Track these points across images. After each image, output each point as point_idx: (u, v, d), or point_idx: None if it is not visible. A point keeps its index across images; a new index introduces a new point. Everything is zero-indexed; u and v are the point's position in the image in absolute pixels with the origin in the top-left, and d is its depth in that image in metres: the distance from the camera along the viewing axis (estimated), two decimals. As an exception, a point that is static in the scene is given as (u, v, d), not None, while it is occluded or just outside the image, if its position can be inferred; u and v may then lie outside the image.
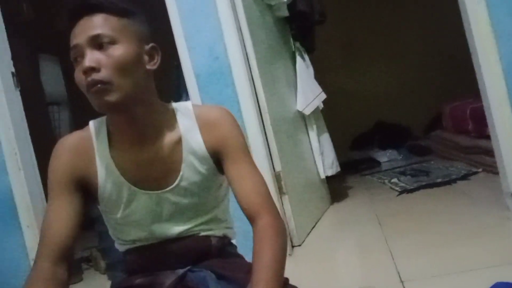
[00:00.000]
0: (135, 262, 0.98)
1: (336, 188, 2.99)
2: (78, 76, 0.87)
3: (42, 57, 3.04)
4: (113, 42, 0.86)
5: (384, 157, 4.12)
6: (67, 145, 0.95)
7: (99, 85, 0.84)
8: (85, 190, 0.94)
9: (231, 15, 1.96)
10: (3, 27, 2.21)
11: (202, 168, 0.95)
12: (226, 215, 1.05)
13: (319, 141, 2.62)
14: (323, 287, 1.53)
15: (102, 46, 0.86)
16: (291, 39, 2.68)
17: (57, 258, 0.88)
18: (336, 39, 4.39)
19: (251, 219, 0.92)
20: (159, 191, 0.94)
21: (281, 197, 2.02)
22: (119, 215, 0.95)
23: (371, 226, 2.06)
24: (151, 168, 0.93)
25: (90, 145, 0.94)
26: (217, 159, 0.96)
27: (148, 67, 0.92)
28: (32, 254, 2.07)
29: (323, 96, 2.69)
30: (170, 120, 0.96)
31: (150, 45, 0.93)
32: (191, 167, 0.94)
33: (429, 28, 4.30)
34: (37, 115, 2.61)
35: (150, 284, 0.93)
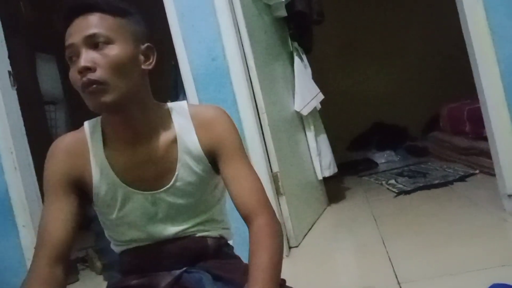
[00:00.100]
0: (131, 263, 0.98)
1: (333, 189, 2.99)
2: (73, 75, 0.86)
3: (39, 56, 3.03)
4: (108, 41, 0.86)
5: (382, 158, 4.12)
6: (62, 146, 0.95)
7: (94, 86, 0.83)
8: (81, 191, 0.94)
9: (229, 15, 1.95)
10: (0, 26, 2.20)
11: (197, 168, 0.95)
12: (223, 215, 1.05)
13: (316, 142, 2.62)
14: (320, 288, 1.53)
15: (98, 45, 0.85)
16: (289, 39, 2.68)
17: (54, 260, 0.88)
18: (335, 39, 4.40)
19: (247, 219, 0.91)
20: (154, 191, 0.94)
21: (278, 198, 2.01)
22: (114, 216, 0.95)
23: (369, 227, 2.06)
24: (146, 168, 0.93)
25: (85, 146, 0.94)
26: (213, 159, 0.96)
27: (143, 67, 0.91)
28: (28, 254, 2.07)
29: (321, 96, 2.68)
30: (165, 120, 0.95)
31: (146, 45, 0.93)
32: (187, 167, 0.94)
33: (427, 29, 4.31)
34: (34, 114, 2.60)
35: (146, 285, 0.93)
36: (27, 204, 2.08)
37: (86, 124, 0.97)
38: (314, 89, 2.66)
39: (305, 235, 2.17)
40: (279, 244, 0.89)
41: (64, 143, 0.95)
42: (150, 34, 0.96)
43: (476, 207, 2.05)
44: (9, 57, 2.19)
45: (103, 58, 0.85)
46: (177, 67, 2.07)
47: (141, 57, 0.91)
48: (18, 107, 2.18)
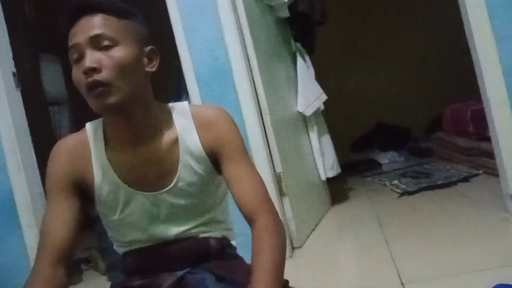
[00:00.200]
0: (133, 264, 0.98)
1: (336, 190, 2.98)
2: (77, 75, 0.86)
3: (43, 57, 3.04)
4: (114, 43, 0.86)
5: (385, 158, 4.11)
6: (64, 148, 0.95)
7: (100, 88, 0.83)
8: (83, 192, 0.94)
9: (232, 16, 1.95)
10: (5, 27, 2.21)
11: (199, 169, 0.94)
12: (225, 216, 1.04)
13: (319, 142, 2.62)
14: (323, 289, 1.53)
15: (102, 46, 0.85)
16: (292, 40, 2.68)
17: (56, 261, 0.88)
18: (338, 40, 4.39)
19: (250, 220, 0.91)
20: (156, 192, 0.93)
21: (281, 199, 2.01)
22: (116, 217, 0.95)
23: (372, 228, 2.06)
24: (147, 169, 0.93)
25: (87, 147, 0.94)
26: (215, 159, 0.96)
27: (147, 69, 0.92)
28: (32, 254, 2.07)
29: (324, 97, 2.68)
30: (167, 120, 0.95)
31: (150, 47, 0.93)
32: (188, 168, 0.94)
33: (430, 30, 4.30)
34: (38, 115, 2.62)
35: (148, 285, 0.93)
36: (31, 204, 2.09)
37: (88, 125, 0.97)
38: (317, 90, 2.66)
39: (309, 236, 2.17)
40: (282, 244, 0.89)
41: (66, 144, 0.96)
42: (153, 35, 0.96)
43: (479, 208, 2.04)
44: (13, 58, 2.20)
45: (109, 59, 0.85)
46: (179, 68, 2.07)
47: (145, 59, 0.91)
48: (22, 108, 2.19)
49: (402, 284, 1.37)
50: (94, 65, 0.83)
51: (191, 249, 0.96)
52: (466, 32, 1.83)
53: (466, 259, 1.45)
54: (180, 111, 0.97)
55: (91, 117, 0.98)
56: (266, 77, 2.11)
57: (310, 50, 2.81)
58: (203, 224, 0.98)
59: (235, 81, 1.96)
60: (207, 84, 1.99)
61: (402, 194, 2.60)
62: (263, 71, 2.06)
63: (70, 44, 0.87)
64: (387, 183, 3.01)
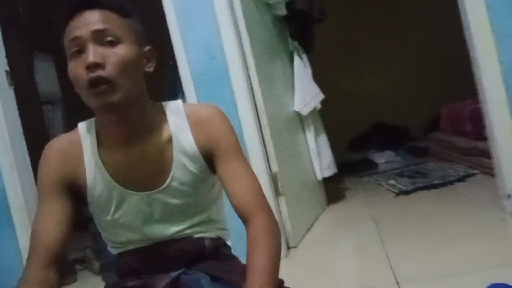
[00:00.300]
0: (128, 265, 0.96)
1: (333, 190, 2.98)
2: (76, 70, 0.83)
3: (36, 55, 3.02)
4: (117, 40, 0.84)
5: (382, 158, 4.12)
6: (55, 148, 0.94)
7: (104, 85, 0.81)
8: (76, 193, 0.93)
9: (228, 14, 1.94)
10: (-2, 25, 2.19)
11: (193, 168, 0.93)
12: (220, 216, 1.04)
13: (316, 142, 2.61)
14: (319, 289, 1.52)
15: (105, 42, 0.83)
16: (289, 38, 2.67)
17: (47, 262, 0.87)
18: (335, 39, 4.39)
19: (245, 219, 0.90)
20: (150, 192, 0.92)
21: (277, 198, 2.00)
22: (109, 217, 0.94)
23: (368, 228, 2.05)
24: (141, 169, 0.91)
25: (79, 147, 0.93)
26: (209, 158, 0.94)
27: (146, 69, 0.91)
28: (25, 255, 2.03)
29: (321, 96, 2.67)
30: (161, 119, 0.94)
31: (148, 47, 0.93)
32: (182, 167, 0.93)
33: (428, 29, 4.31)
34: (31, 114, 2.60)
35: (143, 286, 0.92)
36: (24, 205, 2.07)
37: (81, 125, 0.96)
38: (314, 89, 2.65)
39: (304, 236, 2.16)
40: (277, 244, 0.88)
41: (57, 145, 0.94)
42: (148, 34, 0.95)
43: (476, 208, 2.04)
44: (6, 57, 2.18)
45: (113, 56, 0.83)
46: (175, 67, 2.06)
47: (144, 59, 0.91)
48: (16, 107, 2.17)
49: (398, 283, 1.36)
50: (99, 60, 0.81)
51: (185, 250, 0.95)
52: (465, 31, 1.83)
53: (462, 259, 1.45)
54: (174, 110, 0.96)
55: (85, 116, 0.97)
56: (263, 76, 2.10)
57: (308, 49, 2.80)
58: (198, 224, 0.97)
59: (232, 80, 1.95)
60: (203, 83, 1.97)
61: (398, 194, 2.60)
62: (259, 70, 2.05)
63: (70, 37, 0.84)
64: (384, 183, 3.01)
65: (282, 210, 2.01)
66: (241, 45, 1.99)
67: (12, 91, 2.18)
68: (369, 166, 3.94)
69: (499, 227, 1.73)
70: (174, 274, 0.92)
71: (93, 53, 0.81)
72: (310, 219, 2.36)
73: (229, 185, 0.92)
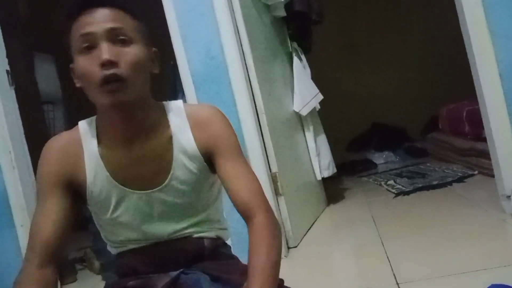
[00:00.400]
0: (127, 265, 0.97)
1: (332, 190, 2.98)
2: (88, 66, 0.83)
3: (37, 55, 3.02)
4: (130, 40, 0.85)
5: (381, 158, 4.12)
6: (55, 146, 0.94)
7: (117, 83, 0.82)
8: (75, 191, 0.93)
9: (228, 15, 1.95)
10: (-1, 25, 2.20)
11: (193, 167, 0.94)
12: (219, 215, 1.04)
13: (315, 142, 2.61)
14: (318, 289, 1.53)
15: (118, 41, 0.84)
16: (288, 39, 2.67)
17: (44, 261, 0.87)
18: (334, 40, 4.39)
19: (246, 217, 0.91)
20: (149, 191, 0.93)
21: (277, 198, 2.01)
22: (108, 216, 0.94)
23: (367, 228, 2.06)
24: (141, 168, 0.92)
25: (79, 145, 0.93)
26: (209, 158, 0.95)
27: (153, 71, 0.93)
28: (25, 254, 2.06)
29: (320, 97, 2.68)
30: (162, 119, 0.95)
31: (154, 49, 0.94)
32: (182, 166, 0.93)
33: (426, 30, 4.31)
34: (32, 114, 2.60)
35: (143, 286, 0.92)
36: (25, 204, 2.08)
37: (81, 123, 0.96)
38: (313, 89, 2.66)
39: (304, 236, 2.16)
40: (278, 244, 0.89)
41: (57, 143, 0.94)
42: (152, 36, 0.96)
43: (474, 208, 2.05)
44: (7, 56, 2.18)
45: (127, 55, 0.84)
46: (175, 67, 2.06)
47: (150, 61, 0.92)
48: (16, 107, 2.18)
49: (397, 284, 1.36)
50: (114, 58, 0.82)
51: (185, 250, 0.96)
52: (463, 31, 1.83)
53: (461, 259, 1.45)
54: (174, 110, 0.96)
55: (86, 115, 0.97)
56: (263, 76, 2.10)
57: (307, 50, 2.81)
58: (197, 224, 0.98)
59: (231, 80, 1.95)
60: (203, 83, 1.98)
61: (397, 194, 2.60)
62: (259, 71, 2.06)
63: (81, 32, 0.84)
64: (383, 183, 3.02)
65: (282, 210, 2.02)
66: (241, 46, 1.99)
67: (13, 91, 2.18)
68: (368, 167, 3.94)
69: (499, 227, 1.73)
70: (173, 273, 0.93)
71: (108, 51, 0.82)
72: (309, 219, 2.36)
73: (230, 183, 0.93)
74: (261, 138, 1.99)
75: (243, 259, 1.01)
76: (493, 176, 1.91)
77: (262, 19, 2.34)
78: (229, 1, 1.97)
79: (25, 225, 2.07)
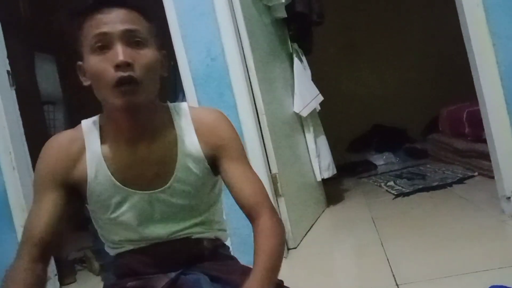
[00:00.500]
0: (126, 265, 0.97)
1: (332, 191, 2.98)
2: (101, 67, 0.83)
3: (38, 56, 3.02)
4: (144, 42, 0.86)
5: (381, 160, 4.12)
6: (55, 145, 0.94)
7: (132, 86, 0.82)
8: (73, 190, 0.93)
9: (229, 16, 1.95)
10: (-1, 25, 2.20)
11: (196, 169, 0.94)
12: (219, 217, 1.05)
13: (315, 143, 2.62)
14: (318, 290, 1.53)
15: (133, 43, 0.84)
16: (289, 40, 2.68)
17: (36, 257, 0.87)
18: (334, 41, 4.39)
19: (251, 217, 0.92)
20: (152, 191, 0.93)
21: (277, 199, 2.00)
22: (108, 215, 0.94)
23: (367, 229, 2.06)
24: (144, 168, 0.92)
25: (81, 144, 0.93)
26: (212, 161, 0.96)
27: (163, 74, 0.93)
28: (25, 254, 2.05)
29: (320, 98, 2.68)
30: (167, 121, 0.95)
31: (163, 52, 0.94)
32: (186, 168, 0.93)
33: (427, 31, 4.31)
34: (32, 114, 2.60)
35: (142, 287, 0.92)
36: (25, 205, 2.07)
37: (84, 122, 0.96)
38: (314, 91, 2.66)
39: (304, 237, 2.16)
40: (279, 245, 0.90)
41: (58, 141, 0.94)
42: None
43: (474, 209, 2.05)
44: (8, 57, 2.18)
45: (140, 58, 0.84)
46: (176, 68, 2.06)
47: (161, 64, 0.92)
48: (17, 107, 2.18)
49: (397, 284, 1.37)
50: (130, 60, 0.82)
51: (183, 250, 0.96)
52: (463, 32, 1.83)
53: (461, 260, 1.45)
54: (179, 112, 0.97)
55: (86, 116, 0.97)
56: (263, 77, 2.11)
57: (307, 51, 2.81)
58: (197, 225, 0.98)
59: (232, 81, 1.95)
60: (204, 84, 1.98)
61: (397, 196, 2.60)
62: (259, 72, 2.06)
63: (96, 31, 0.83)
64: (383, 184, 3.02)
65: (282, 211, 2.01)
66: (241, 47, 1.99)
67: (13, 91, 2.18)
68: (368, 168, 3.95)
69: (498, 228, 1.74)
70: (173, 274, 0.93)
71: (124, 52, 0.82)
72: (309, 220, 2.36)
73: (234, 184, 0.93)
74: (261, 139, 1.99)
75: (243, 260, 1.01)
76: (493, 177, 1.91)
77: (263, 20, 2.34)
78: (230, 2, 1.98)
79: (25, 225, 2.06)
